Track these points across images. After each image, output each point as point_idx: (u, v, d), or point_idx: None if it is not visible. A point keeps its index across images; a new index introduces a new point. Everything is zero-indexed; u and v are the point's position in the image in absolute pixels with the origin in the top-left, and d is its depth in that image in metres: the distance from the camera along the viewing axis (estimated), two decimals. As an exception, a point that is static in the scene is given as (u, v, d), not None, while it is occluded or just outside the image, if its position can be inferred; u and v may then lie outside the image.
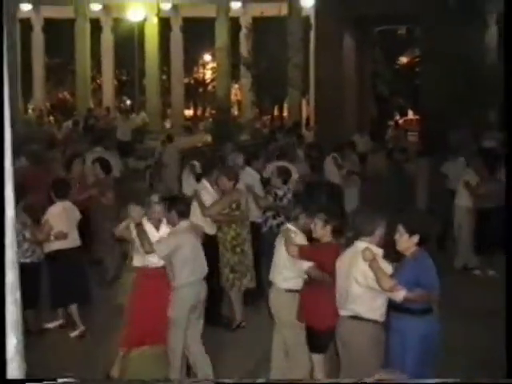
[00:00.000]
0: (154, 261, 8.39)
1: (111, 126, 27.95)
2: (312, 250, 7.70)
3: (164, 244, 8.08)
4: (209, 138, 24.70)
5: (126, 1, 33.87)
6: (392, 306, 6.96)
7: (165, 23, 35.43)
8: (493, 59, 25.08)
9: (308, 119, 32.24)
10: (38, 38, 36.37)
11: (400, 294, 6.71)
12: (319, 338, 7.60)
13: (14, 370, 4.31)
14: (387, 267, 6.83)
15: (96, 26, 35.97)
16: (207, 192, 10.45)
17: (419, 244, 6.96)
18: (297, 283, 7.81)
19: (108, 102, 36.45)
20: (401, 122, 37.86)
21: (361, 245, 6.97)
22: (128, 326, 8.67)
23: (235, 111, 35.99)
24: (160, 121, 36.25)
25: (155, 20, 34.61)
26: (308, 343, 7.70)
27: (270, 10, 30.07)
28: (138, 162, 20.18)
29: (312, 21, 28.75)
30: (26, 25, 35.02)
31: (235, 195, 10.39)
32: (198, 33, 36.55)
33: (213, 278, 9.45)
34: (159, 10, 34.52)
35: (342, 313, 7.03)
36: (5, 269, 6.23)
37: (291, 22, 29.73)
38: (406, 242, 6.95)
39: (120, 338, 8.73)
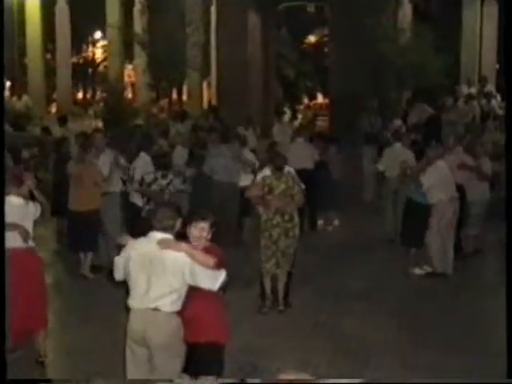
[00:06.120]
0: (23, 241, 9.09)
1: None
2: None
3: None
4: (99, 124, 24.39)
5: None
6: None
7: (48, -6, 34.25)
8: (406, 39, 25.34)
9: (210, 103, 32.24)
10: None
11: None
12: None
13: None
14: None
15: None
16: None
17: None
18: None
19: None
20: (311, 105, 38.36)
21: None
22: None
23: (129, 94, 35.60)
24: (45, 105, 35.52)
25: (37, -10, 33.48)
26: None
27: (167, -17, 29.86)
28: (23, 152, 19.46)
29: (213, -4, 28.75)
30: None
31: None
32: (86, 6, 35.66)
33: None
34: (42, -22, 32.55)
35: None
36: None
37: (191, -3, 29.73)
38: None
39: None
